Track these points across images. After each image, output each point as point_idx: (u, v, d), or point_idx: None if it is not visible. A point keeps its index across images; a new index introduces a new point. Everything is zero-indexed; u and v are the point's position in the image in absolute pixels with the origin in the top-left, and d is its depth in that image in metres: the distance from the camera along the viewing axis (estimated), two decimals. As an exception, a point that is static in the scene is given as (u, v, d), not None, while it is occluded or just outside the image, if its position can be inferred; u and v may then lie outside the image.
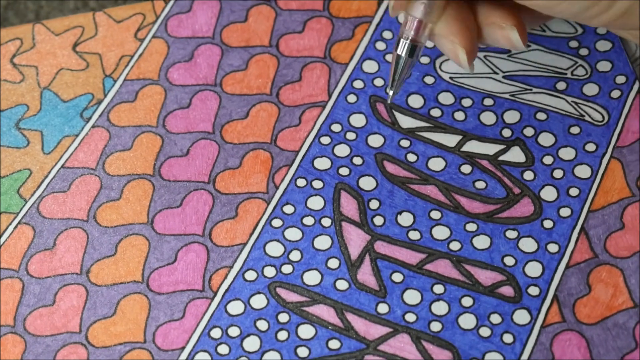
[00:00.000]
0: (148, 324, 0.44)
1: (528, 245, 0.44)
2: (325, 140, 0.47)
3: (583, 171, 0.46)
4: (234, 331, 0.43)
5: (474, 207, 0.45)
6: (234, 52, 0.50)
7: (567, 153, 0.46)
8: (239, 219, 0.46)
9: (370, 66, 0.49)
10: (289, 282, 0.44)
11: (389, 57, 0.49)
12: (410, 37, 0.43)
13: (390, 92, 0.45)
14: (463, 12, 0.43)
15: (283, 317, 0.43)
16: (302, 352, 0.43)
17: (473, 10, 0.44)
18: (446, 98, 0.48)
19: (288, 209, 0.46)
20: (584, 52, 0.49)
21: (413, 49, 0.43)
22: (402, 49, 0.43)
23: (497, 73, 0.48)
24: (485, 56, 0.49)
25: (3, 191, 0.47)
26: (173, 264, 0.45)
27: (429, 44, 0.49)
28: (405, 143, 0.47)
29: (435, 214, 0.45)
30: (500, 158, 0.46)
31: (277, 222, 0.46)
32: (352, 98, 0.48)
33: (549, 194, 0.45)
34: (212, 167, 0.47)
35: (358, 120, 0.48)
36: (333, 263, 0.44)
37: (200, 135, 0.48)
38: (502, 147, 0.47)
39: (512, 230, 0.45)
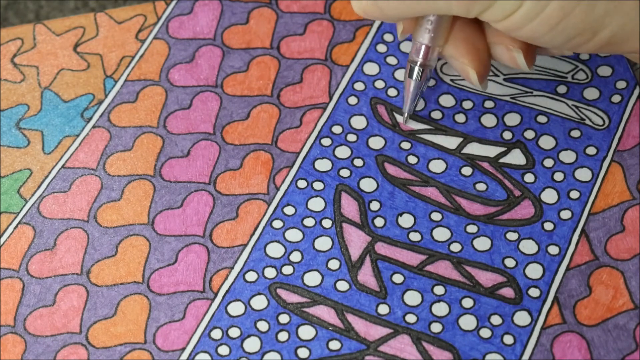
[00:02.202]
0: (148, 325, 0.43)
1: (528, 247, 0.44)
2: (326, 141, 0.48)
3: (584, 174, 0.46)
4: (234, 332, 0.43)
5: (475, 209, 0.45)
6: (235, 54, 0.50)
7: (567, 156, 0.46)
8: (240, 220, 0.46)
9: (371, 68, 0.49)
10: (289, 283, 0.44)
11: (390, 60, 0.49)
12: (419, 63, 0.45)
13: (405, 115, 0.47)
14: (471, 33, 0.44)
15: (283, 318, 0.43)
16: (303, 353, 0.42)
17: (482, 29, 0.44)
18: (447, 100, 0.48)
19: (289, 210, 0.46)
20: (584, 56, 0.49)
21: (423, 71, 0.45)
22: (414, 74, 0.45)
23: (498, 75, 0.49)
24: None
25: (3, 191, 0.47)
26: (173, 265, 0.45)
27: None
28: (406, 145, 0.47)
29: (436, 216, 0.45)
30: (501, 160, 0.46)
31: (277, 223, 0.46)
32: (353, 100, 0.49)
33: (549, 196, 0.46)
34: (213, 168, 0.47)
35: (359, 122, 0.48)
36: (333, 264, 0.44)
37: (201, 136, 0.48)
38: (503, 149, 0.47)
39: (513, 232, 0.45)
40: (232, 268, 0.45)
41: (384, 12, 0.42)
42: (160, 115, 0.49)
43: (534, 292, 0.43)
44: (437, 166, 0.47)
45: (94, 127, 0.49)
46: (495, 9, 0.39)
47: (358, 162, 0.47)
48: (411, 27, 0.45)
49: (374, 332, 0.43)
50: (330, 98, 0.49)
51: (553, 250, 0.44)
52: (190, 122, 0.48)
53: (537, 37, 0.40)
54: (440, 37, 0.44)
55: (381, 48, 0.50)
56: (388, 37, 0.50)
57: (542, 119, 0.47)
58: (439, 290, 0.44)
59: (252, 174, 0.47)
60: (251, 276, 0.44)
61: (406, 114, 0.47)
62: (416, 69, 0.45)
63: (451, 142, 0.47)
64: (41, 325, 0.44)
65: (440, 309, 0.43)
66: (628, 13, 0.39)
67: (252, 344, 0.43)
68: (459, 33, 0.44)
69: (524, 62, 0.44)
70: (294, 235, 0.45)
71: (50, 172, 0.47)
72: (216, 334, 0.43)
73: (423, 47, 0.44)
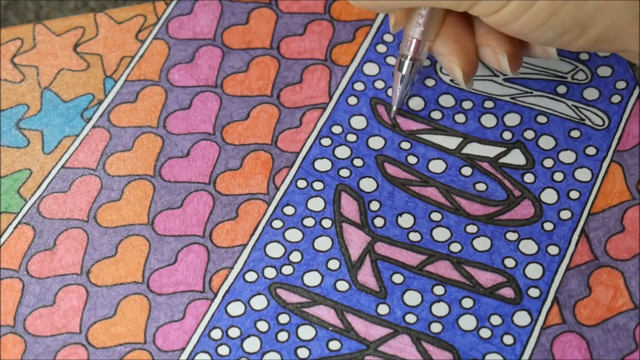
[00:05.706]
0: (148, 325, 0.43)
1: (528, 247, 0.44)
2: (326, 141, 0.48)
3: (583, 174, 0.46)
4: (234, 332, 0.43)
5: (475, 209, 0.45)
6: (234, 54, 0.50)
7: (567, 156, 0.47)
8: (240, 220, 0.46)
9: (371, 68, 0.49)
10: (289, 283, 0.44)
11: (389, 60, 0.49)
12: (409, 57, 0.45)
13: (394, 108, 0.47)
14: (461, 32, 0.44)
15: (283, 318, 0.43)
16: (303, 353, 0.42)
17: (472, 29, 0.44)
18: (447, 100, 0.48)
19: (288, 210, 0.46)
20: (584, 56, 0.49)
21: (413, 65, 0.45)
22: (403, 68, 0.46)
23: (497, 76, 0.49)
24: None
25: (3, 191, 0.47)
26: (173, 265, 0.45)
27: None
28: (405, 145, 0.47)
29: (436, 216, 0.45)
30: (501, 160, 0.47)
31: (277, 223, 0.46)
32: (352, 100, 0.49)
33: (549, 196, 0.46)
34: (213, 168, 0.47)
35: (359, 122, 0.48)
36: (333, 264, 0.44)
37: (201, 136, 0.48)
38: (503, 149, 0.47)
39: (513, 232, 0.45)
40: (232, 268, 0.45)
41: (377, 3, 0.42)
42: (160, 115, 0.49)
43: (533, 292, 0.43)
44: (437, 166, 0.47)
45: (93, 127, 0.49)
46: (485, 3, 0.40)
47: (358, 162, 0.47)
48: (403, 20, 0.45)
49: (374, 332, 0.43)
50: (330, 98, 0.49)
51: (553, 250, 0.44)
52: (190, 122, 0.48)
53: (527, 32, 0.41)
54: (430, 31, 0.44)
55: (381, 48, 0.50)
56: (388, 38, 0.50)
57: (542, 119, 0.47)
58: (439, 290, 0.44)
59: (252, 174, 0.47)
60: (251, 276, 0.44)
61: (395, 107, 0.47)
62: (406, 62, 0.45)
63: (451, 142, 0.47)
64: (41, 325, 0.44)
65: (440, 309, 0.43)
66: (617, 11, 0.39)
67: (252, 344, 0.43)
68: (449, 30, 0.44)
69: (508, 66, 0.44)
70: (293, 235, 0.45)
71: (50, 172, 0.47)
72: (216, 334, 0.43)
73: (414, 41, 0.45)
